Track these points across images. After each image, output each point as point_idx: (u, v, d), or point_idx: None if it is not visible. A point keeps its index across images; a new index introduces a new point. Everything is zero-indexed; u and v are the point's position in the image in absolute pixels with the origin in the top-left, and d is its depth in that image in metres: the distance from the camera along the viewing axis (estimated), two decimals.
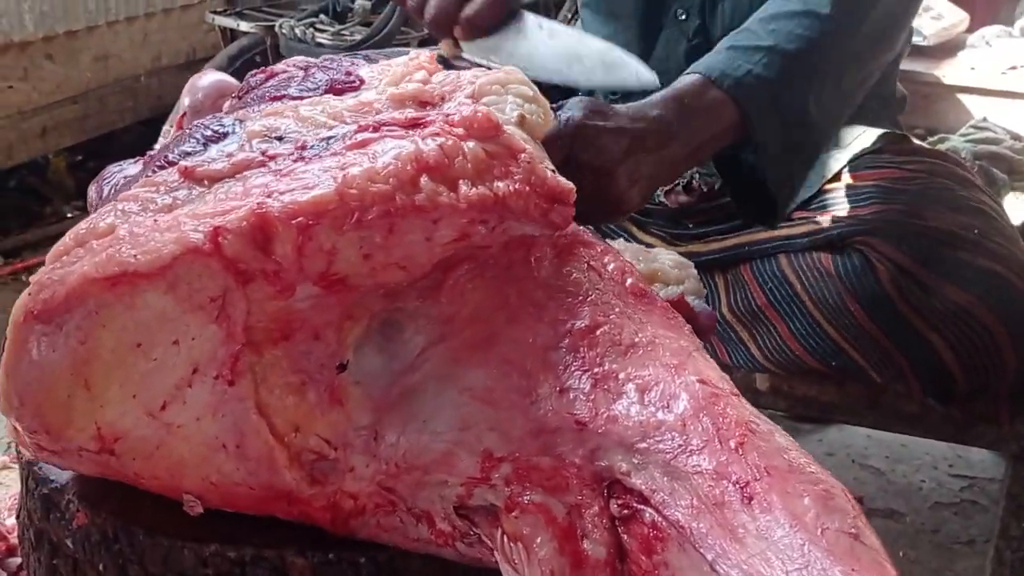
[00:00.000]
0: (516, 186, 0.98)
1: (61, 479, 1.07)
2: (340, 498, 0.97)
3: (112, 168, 1.25)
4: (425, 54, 1.18)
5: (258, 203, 0.89)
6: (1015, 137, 2.51)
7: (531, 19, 1.50)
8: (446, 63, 1.35)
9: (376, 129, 0.99)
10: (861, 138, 1.87)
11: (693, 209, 1.94)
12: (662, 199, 1.95)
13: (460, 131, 0.98)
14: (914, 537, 2.40)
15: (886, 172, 1.81)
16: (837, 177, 1.82)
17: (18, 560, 1.69)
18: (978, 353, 1.63)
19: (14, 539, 1.73)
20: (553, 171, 1.03)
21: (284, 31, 4.28)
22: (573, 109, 1.30)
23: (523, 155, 1.00)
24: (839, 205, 1.80)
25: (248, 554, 0.98)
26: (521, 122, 1.08)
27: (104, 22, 4.47)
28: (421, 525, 0.96)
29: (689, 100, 1.45)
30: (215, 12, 4.71)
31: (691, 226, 1.93)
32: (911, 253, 1.66)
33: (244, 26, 4.50)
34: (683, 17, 1.87)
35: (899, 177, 1.77)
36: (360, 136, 0.98)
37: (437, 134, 0.97)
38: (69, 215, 4.24)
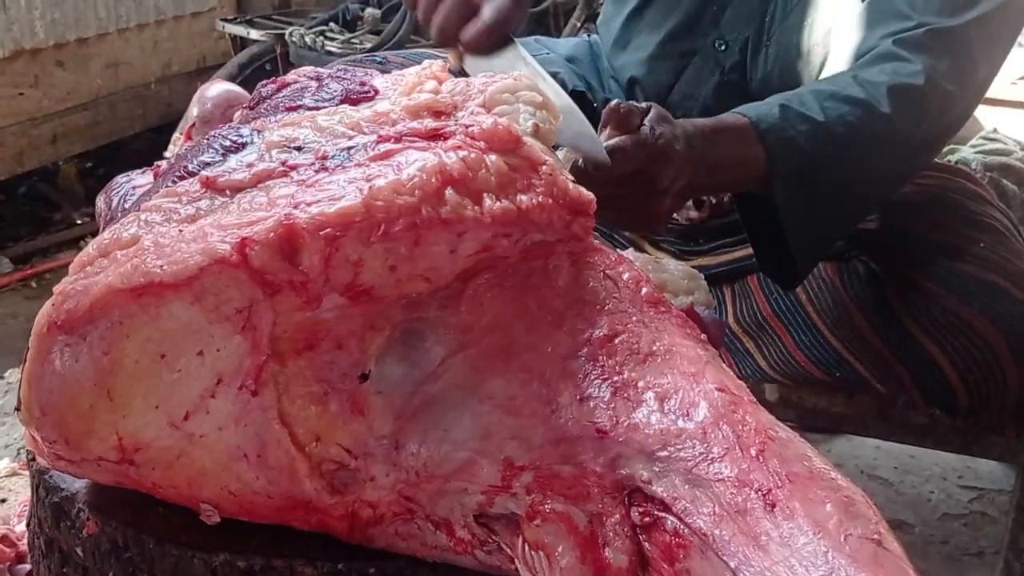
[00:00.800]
0: (539, 199, 0.98)
1: (72, 488, 1.07)
2: (359, 507, 0.97)
3: (120, 179, 1.26)
4: (437, 64, 1.18)
5: (286, 214, 0.89)
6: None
7: (520, 52, 1.51)
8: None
9: (398, 140, 0.99)
10: None
11: (703, 226, 1.94)
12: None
13: (482, 144, 0.99)
14: (923, 549, 2.40)
15: None
16: None
17: (28, 567, 1.69)
18: (978, 367, 1.63)
19: (24, 546, 1.73)
20: (573, 181, 1.03)
21: (294, 39, 4.29)
22: (661, 124, 1.32)
23: (544, 167, 1.01)
24: None
25: (258, 564, 0.99)
26: (536, 131, 1.08)
27: (115, 29, 4.48)
28: (440, 533, 0.97)
29: (730, 140, 1.46)
30: (225, 20, 4.73)
31: (701, 241, 1.94)
32: (915, 265, 1.66)
33: (254, 34, 4.52)
34: (721, 48, 1.88)
35: (908, 191, 1.78)
36: (383, 147, 0.99)
37: (459, 147, 0.98)
38: (79, 222, 4.25)
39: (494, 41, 1.52)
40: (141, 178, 1.26)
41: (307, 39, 4.25)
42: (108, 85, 4.52)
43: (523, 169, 0.99)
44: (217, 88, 1.43)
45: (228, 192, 0.98)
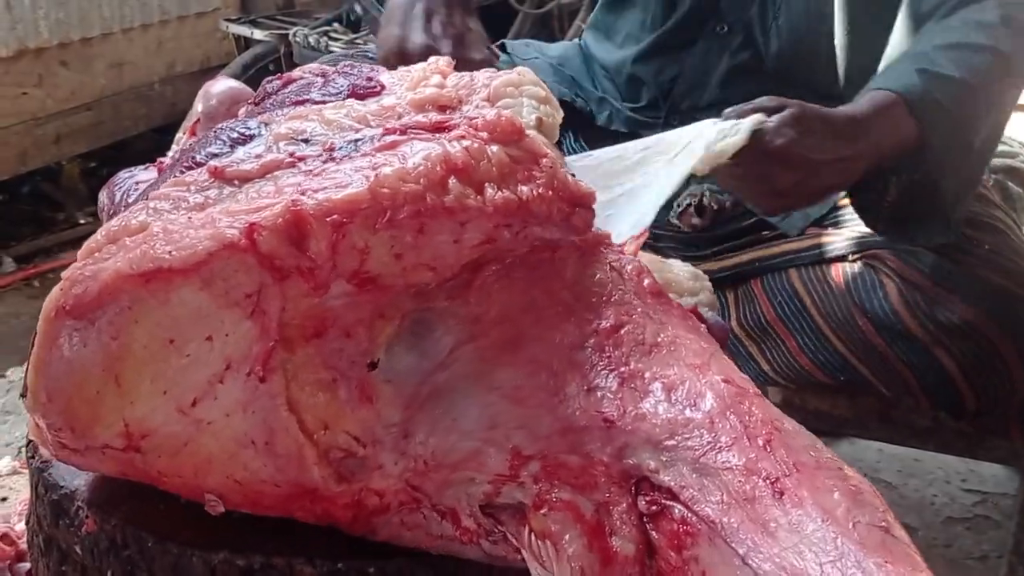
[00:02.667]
0: (539, 190, 0.98)
1: (71, 485, 1.07)
2: (365, 495, 0.97)
3: (123, 174, 1.26)
4: (443, 60, 1.19)
5: (293, 200, 0.89)
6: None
7: None
8: None
9: (403, 132, 1.00)
10: None
11: (705, 233, 1.94)
12: (675, 221, 1.95)
13: (484, 135, 0.99)
14: (926, 552, 2.36)
15: None
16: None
17: (27, 566, 1.69)
18: (985, 369, 1.62)
19: (24, 544, 1.73)
20: (573, 175, 1.04)
21: (298, 39, 4.30)
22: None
23: (545, 160, 1.01)
24: (852, 221, 1.80)
25: (257, 562, 0.99)
26: (539, 125, 1.09)
27: (119, 29, 4.49)
28: (445, 522, 0.97)
29: (885, 123, 1.48)
30: (229, 20, 4.74)
31: (703, 247, 1.94)
32: (920, 267, 1.66)
33: (258, 34, 4.52)
34: (724, 31, 1.88)
35: None
36: (388, 139, 0.99)
37: (462, 136, 0.98)
38: (82, 221, 4.25)
39: None
40: (144, 174, 1.26)
41: (311, 39, 4.26)
42: (112, 85, 4.53)
43: (525, 161, 1.00)
44: (222, 85, 1.43)
45: (236, 182, 0.98)
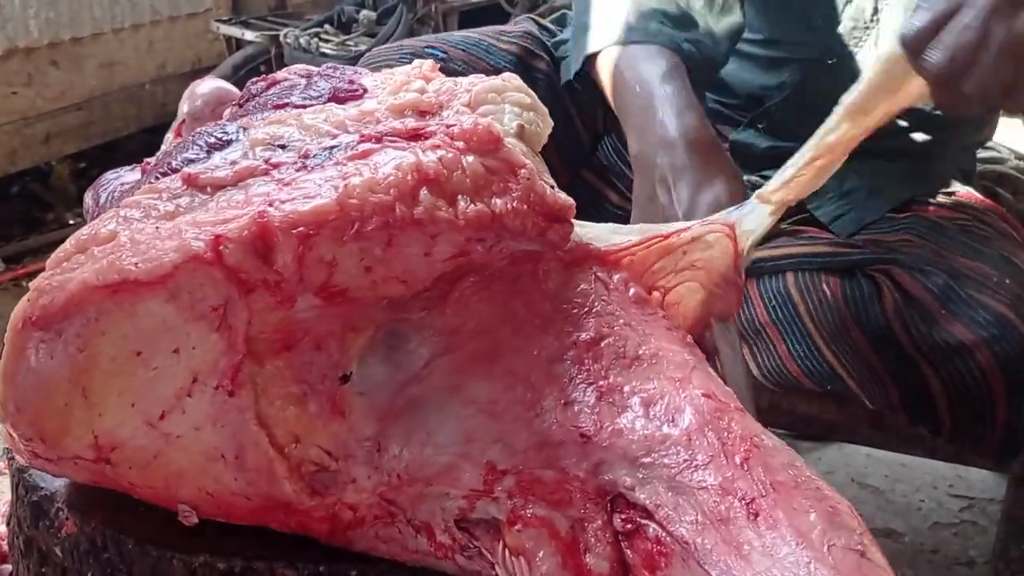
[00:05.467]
0: (514, 204, 0.97)
1: (51, 487, 1.06)
2: (339, 509, 0.96)
3: (109, 175, 1.24)
4: (428, 63, 1.17)
5: (259, 212, 0.88)
6: (1020, 157, 2.48)
7: None
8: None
9: (378, 140, 0.98)
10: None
11: None
12: None
13: (460, 144, 0.97)
14: (913, 557, 2.39)
15: (930, 209, 1.80)
16: None
17: (9, 567, 1.68)
18: (969, 394, 1.60)
19: (5, 546, 1.72)
20: (552, 186, 1.02)
21: (289, 41, 4.28)
22: None
23: (523, 171, 0.99)
24: (875, 233, 1.78)
25: (238, 565, 0.97)
26: (521, 133, 1.07)
27: (110, 29, 4.47)
28: (420, 537, 0.95)
29: None
30: (220, 21, 4.72)
31: None
32: (929, 286, 1.64)
33: (249, 35, 4.51)
34: (833, 61, 1.85)
35: (939, 216, 1.76)
36: (363, 146, 0.97)
37: (438, 146, 0.97)
38: (71, 222, 4.23)
39: None
40: (130, 175, 1.25)
41: (302, 41, 4.24)
42: (102, 85, 4.50)
43: (501, 172, 0.98)
44: (208, 85, 1.41)
45: (209, 189, 0.96)
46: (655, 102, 1.53)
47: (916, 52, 1.16)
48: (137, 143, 4.57)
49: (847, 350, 1.69)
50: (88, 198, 1.25)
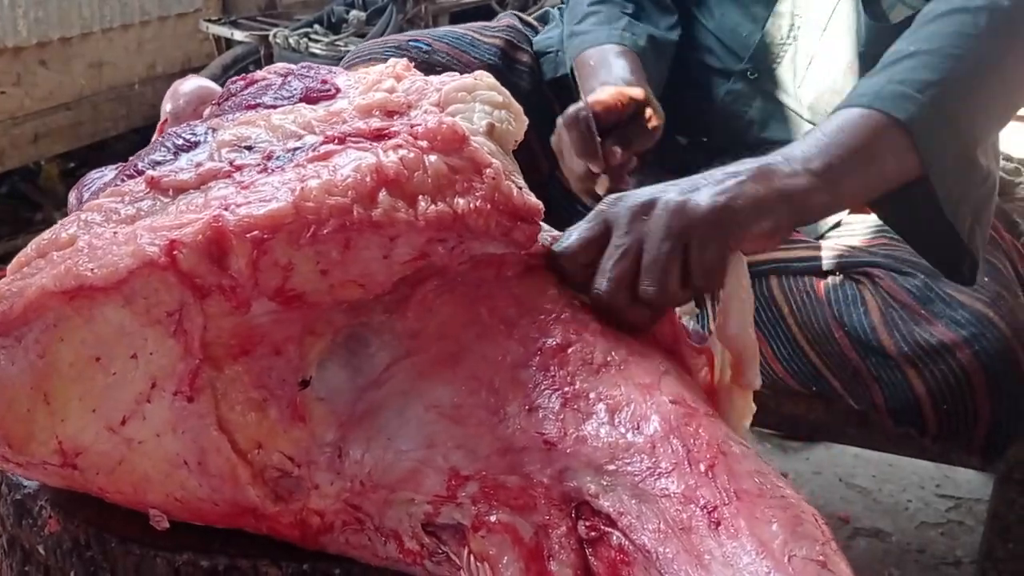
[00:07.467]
0: (477, 203, 0.95)
1: (34, 485, 1.05)
2: (307, 515, 0.95)
3: (93, 174, 1.23)
4: (402, 63, 1.16)
5: (214, 216, 0.87)
6: (1006, 158, 2.48)
7: None
8: None
9: (341, 140, 0.97)
10: None
11: None
12: None
13: (424, 144, 0.96)
14: (900, 557, 2.38)
15: None
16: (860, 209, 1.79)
17: None
18: (952, 396, 1.59)
19: None
20: (520, 187, 1.00)
21: (278, 41, 4.26)
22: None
23: (488, 170, 0.97)
24: (848, 236, 1.78)
25: (221, 564, 0.97)
26: (491, 131, 1.05)
27: (99, 29, 4.45)
28: (390, 543, 0.94)
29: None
30: (210, 21, 4.70)
31: None
32: (909, 288, 1.63)
33: (238, 35, 4.49)
34: (754, 77, 1.87)
35: None
36: (324, 148, 0.96)
37: (400, 146, 0.95)
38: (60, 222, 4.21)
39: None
40: (113, 174, 1.23)
41: (291, 41, 4.22)
42: (91, 85, 4.49)
43: (465, 171, 0.96)
44: (190, 84, 1.40)
45: (172, 192, 0.96)
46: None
47: (573, 278, 1.10)
48: (126, 143, 4.55)
49: (831, 352, 1.68)
50: (72, 197, 1.24)
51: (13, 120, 4.13)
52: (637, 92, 1.62)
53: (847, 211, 1.79)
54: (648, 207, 1.07)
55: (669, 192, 1.09)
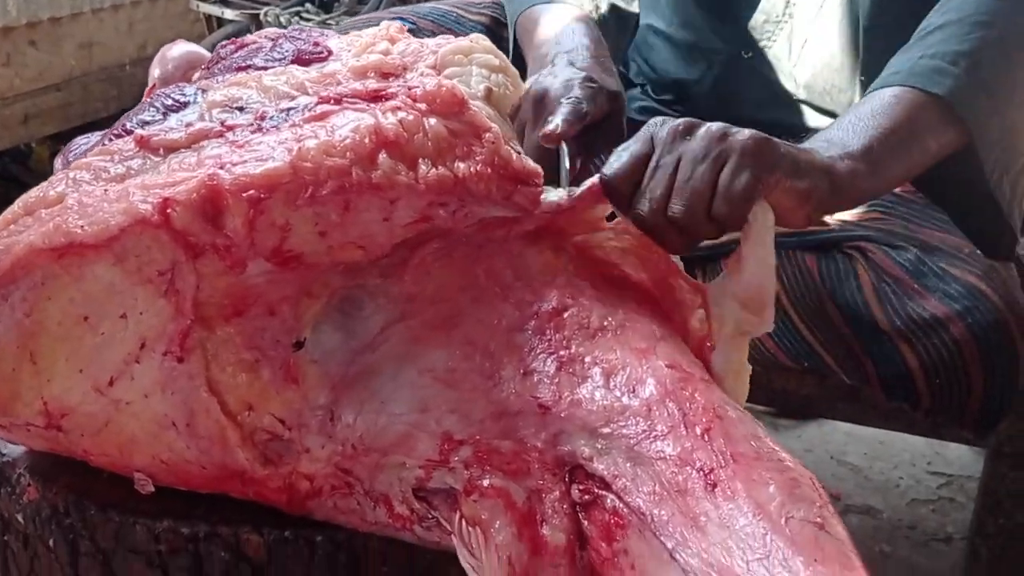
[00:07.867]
0: (478, 167, 0.94)
1: (13, 453, 1.04)
2: (296, 479, 0.94)
3: (79, 139, 1.22)
4: (395, 25, 1.14)
5: (209, 174, 0.85)
6: None
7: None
8: None
9: (337, 101, 0.96)
10: None
11: None
12: None
13: (423, 106, 0.95)
14: (891, 533, 2.38)
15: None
16: None
17: None
18: (946, 369, 1.59)
19: None
20: (519, 152, 0.99)
21: (269, 19, 4.24)
22: None
23: (487, 134, 0.96)
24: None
25: (202, 531, 0.96)
26: (488, 95, 1.04)
27: (89, 9, 4.42)
28: (379, 508, 0.93)
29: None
30: (200, 0, 4.67)
31: None
32: (902, 262, 1.62)
33: (229, 14, 4.46)
34: (749, 56, 1.85)
35: (905, 190, 1.74)
36: (320, 108, 0.95)
37: (398, 108, 0.94)
38: None
39: None
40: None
41: (282, 19, 4.20)
42: (81, 66, 4.46)
43: (465, 135, 0.95)
44: (179, 49, 1.39)
45: (162, 151, 0.94)
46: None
47: (621, 200, 1.12)
48: None
49: (823, 327, 1.67)
50: (58, 162, 1.23)
51: (3, 101, 4.10)
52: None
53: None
54: (691, 128, 1.08)
55: (715, 122, 1.10)
